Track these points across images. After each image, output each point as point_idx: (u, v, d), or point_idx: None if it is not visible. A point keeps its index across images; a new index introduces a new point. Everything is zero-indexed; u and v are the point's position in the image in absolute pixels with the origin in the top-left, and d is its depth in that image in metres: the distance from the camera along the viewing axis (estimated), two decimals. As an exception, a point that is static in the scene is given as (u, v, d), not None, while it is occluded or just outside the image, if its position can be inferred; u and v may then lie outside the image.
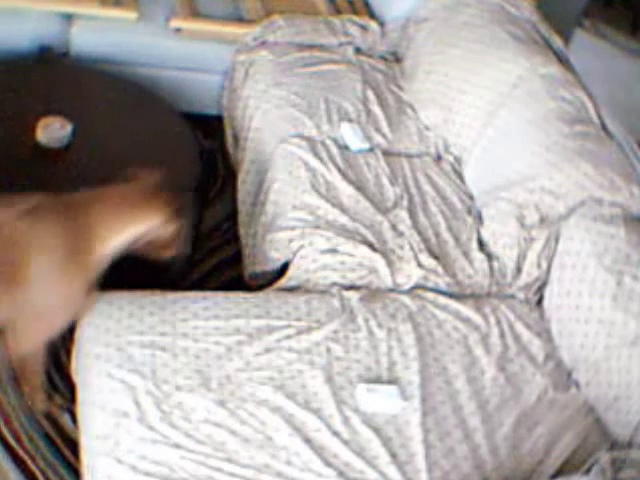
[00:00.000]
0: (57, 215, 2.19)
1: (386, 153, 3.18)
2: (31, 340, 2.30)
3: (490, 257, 2.83)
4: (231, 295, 2.52)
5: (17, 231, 2.14)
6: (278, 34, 3.59)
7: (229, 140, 3.45)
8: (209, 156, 3.48)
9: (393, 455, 2.19)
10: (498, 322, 2.63)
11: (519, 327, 2.64)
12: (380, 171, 3.07)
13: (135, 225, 2.27)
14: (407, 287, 2.70)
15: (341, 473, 2.12)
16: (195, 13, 3.66)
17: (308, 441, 2.16)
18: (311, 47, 3.56)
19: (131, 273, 2.46)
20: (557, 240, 2.71)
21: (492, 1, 3.47)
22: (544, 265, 2.73)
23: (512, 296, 2.78)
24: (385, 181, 3.03)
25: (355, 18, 3.76)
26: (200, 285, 3.04)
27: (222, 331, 2.37)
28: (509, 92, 3.09)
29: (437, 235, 2.88)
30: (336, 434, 2.20)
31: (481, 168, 3.11)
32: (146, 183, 2.31)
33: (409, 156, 3.22)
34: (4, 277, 2.14)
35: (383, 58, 3.67)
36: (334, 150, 3.07)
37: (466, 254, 2.83)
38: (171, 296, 2.45)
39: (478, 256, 2.83)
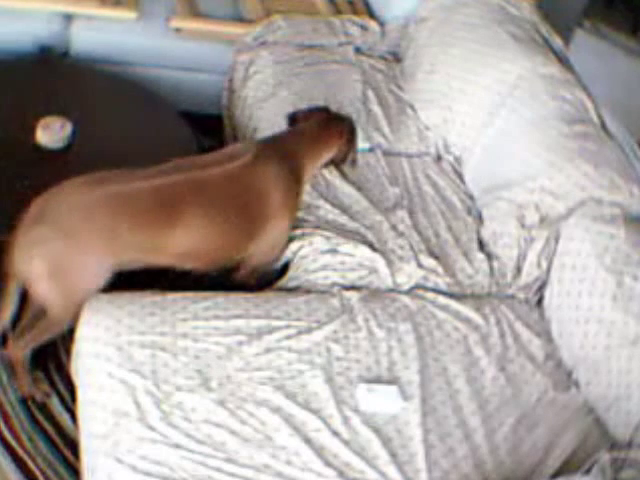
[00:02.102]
0: (275, 159, 2.57)
1: (386, 153, 3.17)
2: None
3: (490, 257, 2.83)
4: (231, 295, 2.52)
5: (250, 181, 2.50)
6: (278, 34, 3.59)
7: (229, 140, 3.45)
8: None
9: (393, 455, 2.19)
10: (498, 322, 2.63)
11: (519, 327, 2.64)
12: (380, 171, 3.07)
13: (326, 153, 2.73)
14: (407, 287, 2.70)
15: (341, 473, 2.12)
16: (195, 13, 3.66)
17: (308, 441, 2.16)
18: (311, 47, 3.56)
19: (132, 273, 2.46)
20: (557, 240, 2.71)
21: (492, 1, 3.47)
22: (544, 265, 2.73)
23: (512, 296, 2.78)
24: (385, 181, 3.03)
25: (355, 18, 3.76)
26: (200, 285, 3.03)
27: (222, 331, 2.36)
28: (509, 92, 3.09)
29: (437, 235, 2.88)
30: (336, 434, 2.20)
31: (481, 168, 3.11)
32: (320, 119, 2.76)
33: (409, 156, 3.22)
34: (249, 228, 2.54)
35: (383, 58, 3.67)
36: (334, 150, 3.07)
37: (466, 254, 2.83)
38: (171, 296, 2.45)
39: (478, 256, 2.83)
